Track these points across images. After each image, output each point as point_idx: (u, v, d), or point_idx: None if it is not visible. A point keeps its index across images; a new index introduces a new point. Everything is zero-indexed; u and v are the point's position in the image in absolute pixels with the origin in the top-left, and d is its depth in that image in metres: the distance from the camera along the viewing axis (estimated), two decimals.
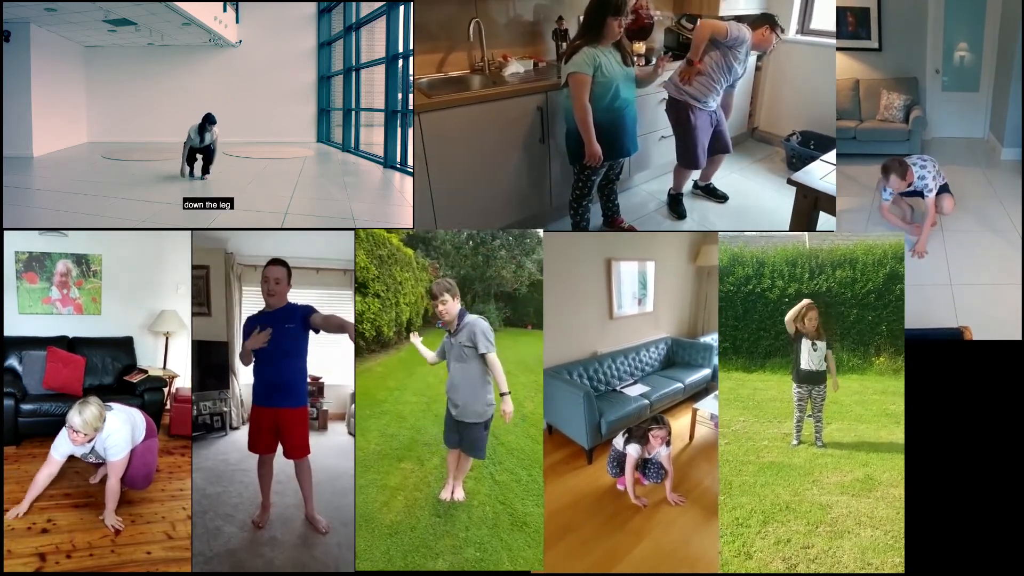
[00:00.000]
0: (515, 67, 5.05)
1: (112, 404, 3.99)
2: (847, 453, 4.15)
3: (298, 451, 3.78)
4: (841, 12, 5.79)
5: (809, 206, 4.31)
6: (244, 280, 4.48)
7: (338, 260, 4.23)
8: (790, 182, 4.38)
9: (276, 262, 3.75)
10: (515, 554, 3.53)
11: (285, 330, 3.70)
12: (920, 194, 4.97)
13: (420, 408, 4.90)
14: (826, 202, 4.32)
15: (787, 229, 4.51)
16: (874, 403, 4.52)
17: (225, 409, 4.54)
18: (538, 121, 4.70)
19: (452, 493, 3.85)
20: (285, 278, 3.73)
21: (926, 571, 3.85)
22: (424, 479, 4.07)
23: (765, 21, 4.71)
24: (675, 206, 5.08)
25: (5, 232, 4.27)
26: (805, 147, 5.74)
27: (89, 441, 3.80)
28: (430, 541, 3.56)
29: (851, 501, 3.72)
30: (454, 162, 4.38)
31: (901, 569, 3.48)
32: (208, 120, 4.78)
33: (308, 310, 3.74)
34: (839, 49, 5.75)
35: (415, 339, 3.94)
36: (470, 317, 3.65)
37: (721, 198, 5.21)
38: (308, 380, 4.53)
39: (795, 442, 4.25)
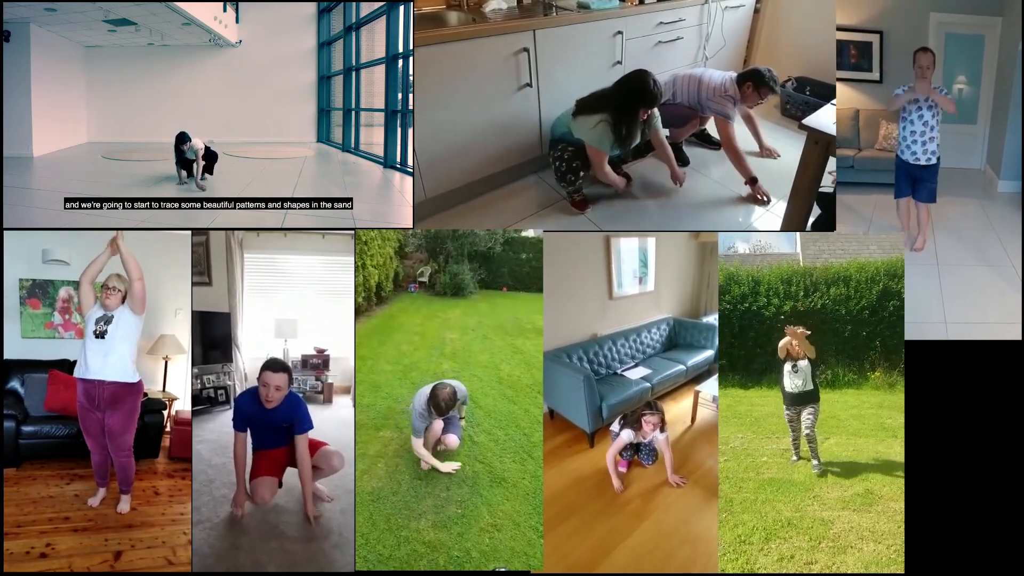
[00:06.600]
0: (496, 2, 4.75)
1: None
2: (846, 468, 4.16)
3: (323, 462, 3.84)
4: (844, 45, 5.90)
5: (820, 153, 4.11)
6: (245, 246, 4.41)
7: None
8: (801, 127, 4.21)
9: (278, 367, 3.63)
10: (495, 508, 3.70)
11: (280, 428, 3.74)
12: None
13: (396, 377, 4.94)
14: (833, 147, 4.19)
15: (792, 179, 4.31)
16: (871, 417, 4.57)
17: (229, 383, 4.52)
18: (525, 63, 4.49)
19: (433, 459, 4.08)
20: (286, 384, 3.65)
21: (926, 571, 3.87)
22: (404, 445, 4.20)
23: (749, 78, 4.79)
24: (676, 153, 5.11)
25: (5, 231, 4.27)
26: (800, 93, 5.75)
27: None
28: (412, 503, 3.74)
29: (852, 516, 3.73)
30: (438, 107, 4.23)
31: None
32: (180, 140, 4.73)
33: (304, 424, 3.72)
34: (841, 80, 5.83)
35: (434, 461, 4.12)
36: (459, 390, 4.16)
37: (716, 144, 5.22)
38: (315, 352, 4.58)
39: (794, 458, 4.24)
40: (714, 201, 4.81)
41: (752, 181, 4.79)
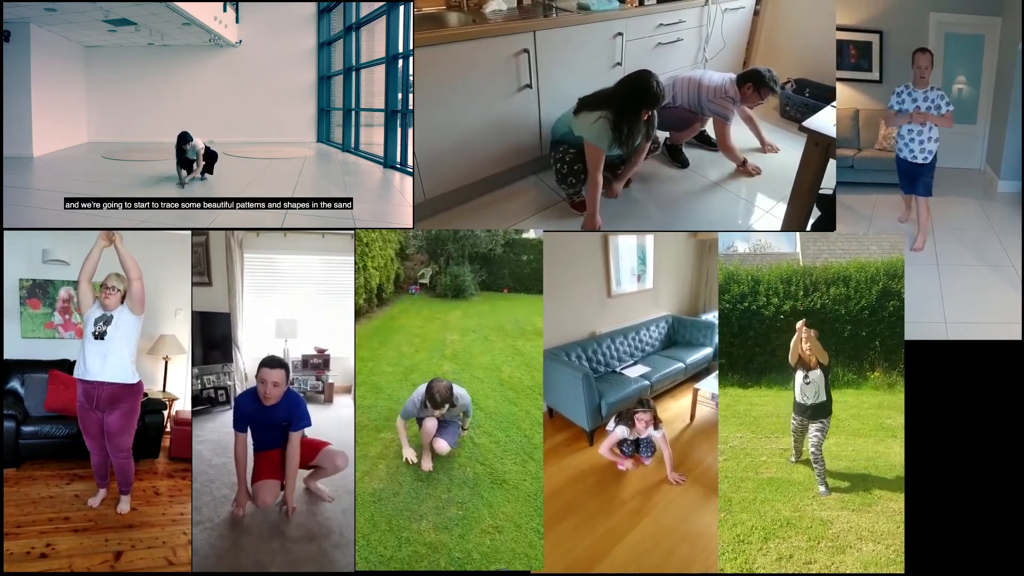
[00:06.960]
0: (497, 3, 4.74)
1: None
2: (846, 468, 4.16)
3: (326, 462, 3.86)
4: (843, 45, 5.93)
5: (820, 154, 4.05)
6: (245, 246, 4.41)
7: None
8: (801, 129, 4.16)
9: (275, 364, 3.66)
10: (495, 509, 3.71)
11: (280, 427, 3.75)
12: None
13: (397, 378, 4.95)
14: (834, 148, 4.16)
15: (792, 181, 4.28)
16: (871, 417, 4.57)
17: (229, 383, 4.52)
18: (525, 64, 4.49)
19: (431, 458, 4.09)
20: (283, 380, 3.67)
21: (926, 571, 3.88)
22: None
23: (749, 79, 4.84)
24: (676, 155, 5.17)
25: (5, 231, 4.27)
26: (800, 95, 5.77)
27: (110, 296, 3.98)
28: (413, 504, 3.74)
29: (851, 516, 3.73)
30: (438, 107, 4.25)
31: None
32: (182, 140, 4.74)
33: (302, 421, 3.74)
34: (840, 80, 5.84)
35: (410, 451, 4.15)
36: (458, 393, 4.11)
37: (715, 146, 5.26)
38: (315, 352, 4.59)
39: (793, 458, 4.21)
40: (714, 201, 4.82)
41: (743, 163, 5.01)
